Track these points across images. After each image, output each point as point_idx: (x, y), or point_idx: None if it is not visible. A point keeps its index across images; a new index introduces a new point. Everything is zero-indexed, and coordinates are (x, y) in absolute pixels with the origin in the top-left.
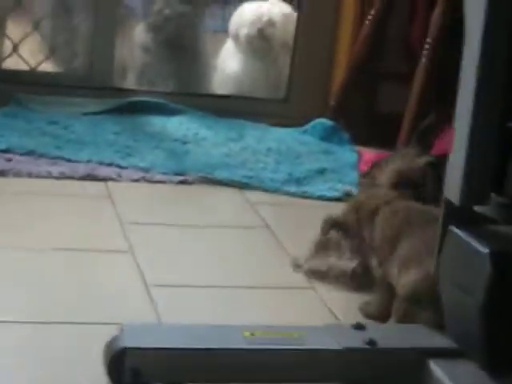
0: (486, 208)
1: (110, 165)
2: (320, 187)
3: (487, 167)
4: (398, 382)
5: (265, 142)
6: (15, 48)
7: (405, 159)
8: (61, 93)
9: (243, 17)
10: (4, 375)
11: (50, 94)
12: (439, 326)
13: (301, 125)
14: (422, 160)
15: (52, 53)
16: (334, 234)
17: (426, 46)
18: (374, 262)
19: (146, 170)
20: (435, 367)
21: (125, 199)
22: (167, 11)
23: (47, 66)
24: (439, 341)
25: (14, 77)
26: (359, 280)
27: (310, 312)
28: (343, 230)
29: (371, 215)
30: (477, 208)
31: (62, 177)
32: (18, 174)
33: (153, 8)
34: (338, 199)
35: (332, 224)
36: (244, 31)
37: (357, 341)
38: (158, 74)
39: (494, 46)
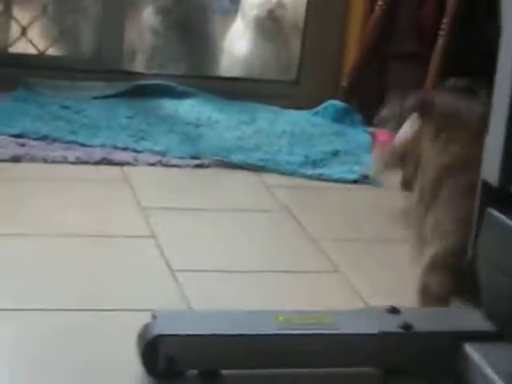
0: None
1: (125, 149)
2: (337, 169)
3: None
4: (434, 366)
5: (277, 125)
6: (23, 32)
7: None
8: (70, 77)
9: None
10: (35, 364)
11: (59, 77)
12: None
13: (312, 107)
14: None
15: (60, 36)
16: None
17: (443, 26)
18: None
19: (161, 153)
20: (472, 350)
21: (142, 184)
22: None
23: (56, 50)
24: (476, 323)
25: (23, 61)
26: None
27: (338, 295)
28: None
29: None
30: None
31: (78, 162)
32: (32, 160)
33: None
34: (354, 181)
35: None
36: (254, 12)
37: (392, 325)
38: (168, 56)
39: None
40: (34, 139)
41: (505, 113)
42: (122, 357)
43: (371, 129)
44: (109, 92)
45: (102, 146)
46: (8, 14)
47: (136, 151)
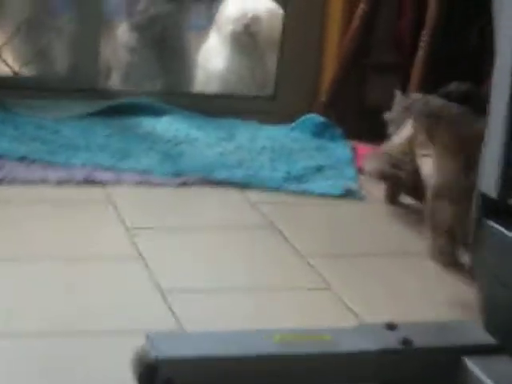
0: None
1: (106, 169)
2: (321, 184)
3: None
4: (435, 381)
5: (257, 141)
6: None
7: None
8: (46, 96)
9: (228, 13)
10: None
11: (35, 98)
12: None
13: (289, 122)
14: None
15: (35, 56)
16: None
17: (423, 37)
18: None
19: (143, 172)
20: (472, 365)
21: (126, 204)
22: (152, 10)
23: (31, 70)
24: (476, 337)
25: None
26: None
27: (330, 312)
28: None
29: None
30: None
31: (60, 183)
32: (12, 182)
33: (137, 7)
34: (339, 196)
35: None
36: (229, 28)
37: (391, 341)
38: (144, 74)
39: None
40: (13, 161)
41: (502, 124)
42: (116, 380)
43: (352, 142)
44: (85, 111)
45: (83, 166)
46: None
47: (118, 171)
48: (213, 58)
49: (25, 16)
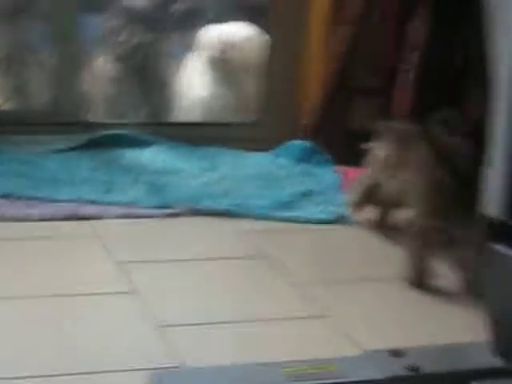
0: None
1: (92, 203)
2: (310, 210)
3: None
4: None
5: (242, 169)
6: None
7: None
8: (28, 131)
9: (205, 40)
10: None
11: (17, 133)
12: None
13: (273, 148)
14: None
15: (16, 91)
16: None
17: (411, 59)
18: None
19: (129, 205)
20: None
21: (114, 237)
22: (133, 41)
23: (12, 105)
24: (483, 361)
25: None
26: None
27: (330, 341)
28: None
29: None
30: None
31: (45, 219)
32: None
33: (118, 38)
34: (329, 222)
35: None
36: (205, 54)
37: (398, 368)
38: (126, 105)
39: None
40: None
41: (505, 145)
42: None
43: (339, 167)
44: (68, 145)
45: (68, 200)
46: None
47: (104, 204)
48: (192, 86)
49: (4, 52)
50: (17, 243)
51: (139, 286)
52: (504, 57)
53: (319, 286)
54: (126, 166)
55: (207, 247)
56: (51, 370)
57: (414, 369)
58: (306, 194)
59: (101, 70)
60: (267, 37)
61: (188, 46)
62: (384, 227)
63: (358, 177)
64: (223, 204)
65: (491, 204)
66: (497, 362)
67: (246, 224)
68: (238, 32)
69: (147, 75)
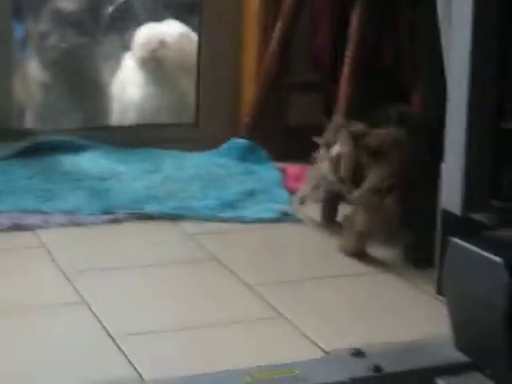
0: (483, 214)
1: (33, 212)
2: (255, 209)
3: (485, 173)
4: None
5: (184, 170)
6: None
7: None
8: None
9: (137, 40)
10: None
11: None
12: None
13: (213, 148)
14: None
15: None
16: None
17: (348, 53)
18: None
19: (72, 212)
20: None
21: (59, 247)
22: (64, 45)
23: None
24: (446, 356)
25: None
26: None
27: (285, 342)
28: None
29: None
30: (474, 216)
31: None
32: None
33: (48, 43)
34: (275, 220)
35: None
36: (137, 54)
37: (362, 369)
38: (60, 110)
39: (482, 49)
40: None
41: (461, 139)
42: None
43: (279, 164)
44: (2, 154)
45: (8, 211)
46: None
47: (45, 213)
48: (127, 88)
49: None
50: None
51: (89, 294)
52: (458, 48)
53: (270, 286)
54: (65, 172)
55: (154, 252)
56: None
57: (378, 369)
58: (249, 193)
59: (33, 74)
60: (200, 35)
61: (122, 48)
62: (330, 224)
63: (308, 171)
64: (168, 206)
65: (450, 198)
66: (460, 356)
67: (191, 226)
68: (169, 30)
69: (81, 79)
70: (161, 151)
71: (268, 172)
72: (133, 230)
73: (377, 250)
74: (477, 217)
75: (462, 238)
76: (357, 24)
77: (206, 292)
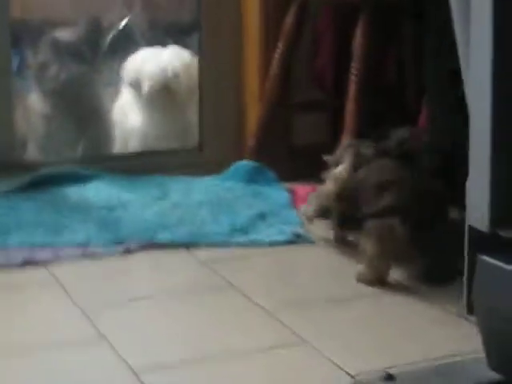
0: (510, 231)
1: (43, 246)
2: (267, 232)
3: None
4: None
5: (191, 195)
6: None
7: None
8: None
9: (144, 68)
10: None
11: None
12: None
13: (218, 172)
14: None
15: None
16: None
17: (353, 70)
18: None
19: (83, 245)
20: None
21: (73, 281)
22: (63, 75)
23: None
24: (479, 376)
25: None
26: None
27: (312, 368)
28: None
29: None
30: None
31: None
32: None
33: (47, 74)
34: (289, 242)
35: None
36: (147, 84)
37: None
38: (63, 141)
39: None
40: None
41: (486, 155)
42: None
43: (287, 184)
44: (7, 188)
45: (19, 246)
46: None
47: (56, 247)
48: (129, 116)
49: None
50: None
51: (108, 329)
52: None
53: (288, 311)
54: (72, 204)
55: (170, 281)
56: None
57: None
58: (260, 216)
59: (34, 106)
60: (201, 59)
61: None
62: (343, 243)
63: (316, 190)
64: (179, 234)
65: (476, 215)
66: (494, 375)
67: (204, 253)
68: (176, 59)
69: (82, 108)
70: (166, 178)
71: (277, 193)
72: (145, 260)
73: (393, 272)
74: (504, 233)
75: (490, 255)
76: (361, 40)
77: (224, 320)
